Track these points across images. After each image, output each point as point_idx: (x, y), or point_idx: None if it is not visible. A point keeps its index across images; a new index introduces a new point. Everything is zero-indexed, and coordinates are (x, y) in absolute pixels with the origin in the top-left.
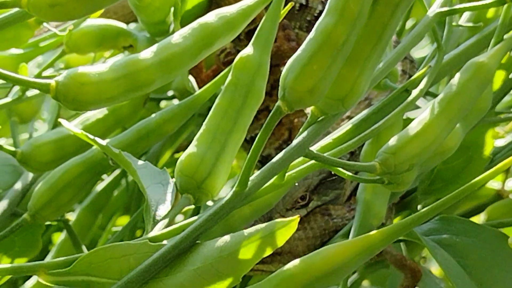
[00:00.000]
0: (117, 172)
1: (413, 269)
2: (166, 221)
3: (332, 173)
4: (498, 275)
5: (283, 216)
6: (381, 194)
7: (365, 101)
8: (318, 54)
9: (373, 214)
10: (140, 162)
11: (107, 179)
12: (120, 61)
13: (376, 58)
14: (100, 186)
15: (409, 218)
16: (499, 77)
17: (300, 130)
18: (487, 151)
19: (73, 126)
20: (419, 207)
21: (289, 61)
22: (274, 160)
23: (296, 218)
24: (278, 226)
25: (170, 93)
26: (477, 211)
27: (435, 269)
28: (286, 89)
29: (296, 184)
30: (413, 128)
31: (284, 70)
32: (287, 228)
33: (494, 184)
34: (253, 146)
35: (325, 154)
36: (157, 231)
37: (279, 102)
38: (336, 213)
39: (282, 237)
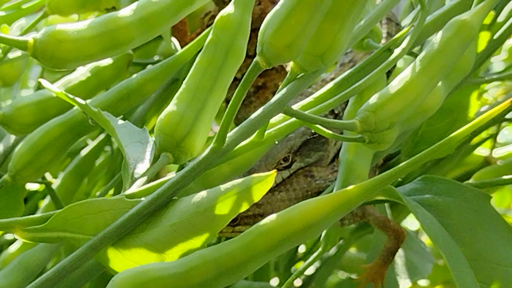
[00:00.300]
0: (102, 136)
1: (396, 230)
2: (144, 179)
3: (316, 135)
4: (480, 235)
5: None
6: (363, 155)
7: (349, 63)
8: (296, 9)
9: (355, 175)
10: (121, 121)
11: (91, 144)
12: (99, 18)
13: (356, 14)
14: (84, 151)
15: (385, 173)
16: (483, 39)
17: (280, 87)
18: (472, 113)
19: (55, 87)
20: None
21: (268, 16)
22: (252, 116)
23: (272, 173)
24: (254, 181)
25: (156, 57)
26: (465, 177)
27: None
28: (264, 45)
29: (279, 145)
30: (394, 86)
31: (263, 25)
32: (263, 183)
33: (482, 151)
34: (230, 102)
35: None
36: (135, 188)
37: (257, 58)
38: (319, 175)
39: (259, 192)
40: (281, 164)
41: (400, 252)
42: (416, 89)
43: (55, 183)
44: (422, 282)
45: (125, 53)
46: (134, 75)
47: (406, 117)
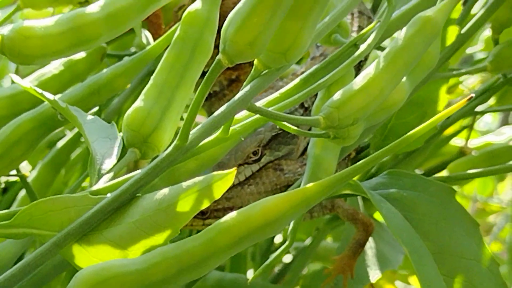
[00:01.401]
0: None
1: (365, 222)
2: (111, 174)
3: None
4: (445, 229)
5: None
6: (330, 149)
7: (320, 57)
8: (258, 7)
9: (323, 169)
10: (90, 116)
11: (68, 135)
12: (66, 15)
13: (319, 10)
14: (61, 143)
15: (345, 171)
16: (452, 33)
17: (244, 84)
18: (441, 106)
19: (29, 82)
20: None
21: (230, 14)
22: (215, 113)
23: (233, 171)
24: (215, 179)
25: (133, 49)
26: (440, 168)
27: None
28: (226, 42)
29: (248, 139)
30: (358, 82)
31: (225, 23)
32: (224, 181)
33: (458, 141)
34: (193, 99)
35: (270, 109)
36: (101, 184)
37: (219, 55)
38: (288, 168)
39: (219, 190)
40: (251, 157)
41: (371, 243)
42: (379, 85)
43: (32, 174)
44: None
45: (99, 46)
46: (105, 70)
47: (370, 113)
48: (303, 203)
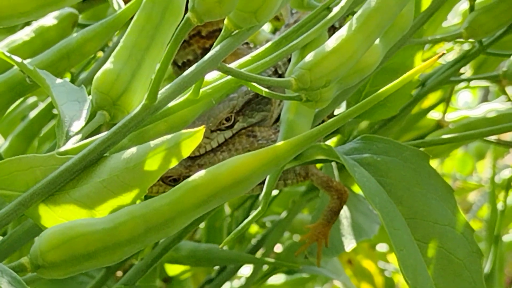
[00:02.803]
0: (50, 99)
1: (339, 190)
2: (79, 136)
3: (259, 95)
4: (419, 194)
5: (207, 138)
6: (304, 115)
7: (295, 24)
8: None
9: (296, 134)
10: (59, 80)
11: (40, 106)
12: None
13: None
14: (33, 113)
15: (315, 129)
16: None
17: (214, 44)
18: (416, 73)
19: None
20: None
21: None
22: (185, 73)
23: (201, 129)
24: (183, 137)
25: None
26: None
27: None
28: (195, 0)
29: (221, 105)
30: (330, 44)
31: None
32: (192, 139)
33: (435, 115)
34: (162, 58)
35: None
36: (69, 145)
37: (188, 13)
38: (261, 135)
39: (187, 148)
40: (224, 124)
41: (347, 213)
42: (352, 47)
43: (3, 145)
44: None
45: (70, 13)
46: (75, 34)
47: (343, 75)
48: (272, 161)
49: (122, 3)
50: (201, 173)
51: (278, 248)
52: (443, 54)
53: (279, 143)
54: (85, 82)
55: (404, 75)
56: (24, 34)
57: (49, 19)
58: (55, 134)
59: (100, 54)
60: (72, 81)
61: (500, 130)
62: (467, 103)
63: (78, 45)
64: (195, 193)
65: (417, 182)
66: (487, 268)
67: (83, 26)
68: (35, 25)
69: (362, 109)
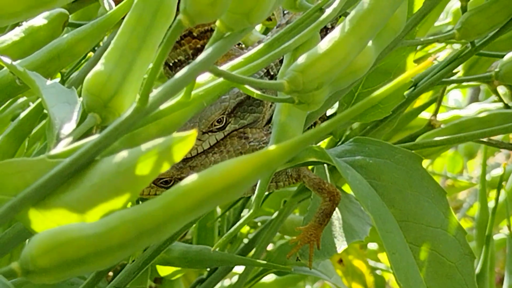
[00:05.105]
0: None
1: (331, 192)
2: (70, 139)
3: (251, 96)
4: (411, 196)
5: (199, 139)
6: (296, 117)
7: (286, 25)
8: None
9: (288, 136)
10: (49, 81)
11: (31, 106)
12: None
13: None
14: (23, 114)
15: (308, 132)
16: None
17: (206, 46)
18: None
19: None
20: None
21: None
22: (176, 76)
23: (193, 133)
24: (175, 141)
25: None
26: (409, 141)
27: None
28: (187, 2)
29: (213, 106)
30: (323, 46)
31: None
32: (184, 143)
33: (427, 115)
34: (154, 61)
35: (233, 72)
36: (60, 148)
37: (180, 16)
38: (253, 136)
39: (179, 152)
40: (215, 125)
41: (338, 214)
42: (344, 49)
43: None
44: (372, 245)
45: (60, 13)
46: (65, 35)
47: (336, 77)
48: (265, 165)
49: (112, 3)
50: (193, 177)
51: (270, 246)
52: (436, 57)
53: (272, 147)
54: (75, 82)
55: (397, 79)
56: (14, 34)
57: (39, 19)
58: (45, 134)
59: (91, 54)
60: (63, 81)
61: (492, 132)
62: (457, 101)
63: (69, 45)
64: (187, 198)
65: (409, 184)
66: (478, 268)
67: (74, 25)
68: (25, 25)
69: (355, 113)
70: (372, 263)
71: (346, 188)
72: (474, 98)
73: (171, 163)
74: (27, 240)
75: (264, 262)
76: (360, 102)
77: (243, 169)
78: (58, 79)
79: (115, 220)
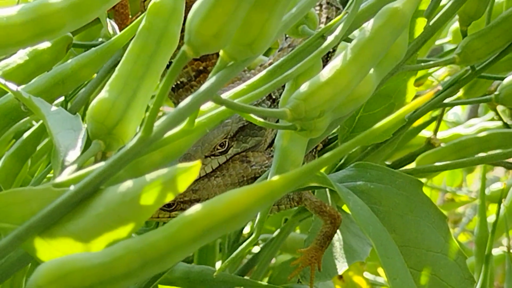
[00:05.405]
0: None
1: (332, 215)
2: (74, 166)
3: None
4: (412, 221)
5: (202, 163)
6: (298, 141)
7: (288, 48)
8: None
9: (290, 161)
10: (54, 107)
11: (35, 125)
12: (29, 4)
13: (285, 2)
14: (27, 133)
15: (311, 164)
16: (420, 24)
17: (209, 75)
18: (409, 98)
19: None
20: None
21: (195, 5)
22: (180, 105)
23: (197, 163)
24: (179, 171)
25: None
26: (409, 159)
27: None
28: (191, 33)
29: (215, 130)
30: (325, 74)
31: (190, 14)
32: (188, 174)
33: (427, 133)
34: (158, 91)
35: (236, 100)
36: (65, 176)
37: (184, 47)
38: (255, 160)
39: (184, 183)
40: (218, 149)
41: (339, 235)
42: (346, 77)
43: None
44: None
45: (64, 36)
46: (69, 61)
47: (337, 105)
48: (268, 196)
49: (116, 26)
50: (198, 207)
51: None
52: (438, 90)
53: (275, 178)
54: (79, 102)
55: (398, 112)
56: (18, 57)
57: (43, 43)
58: (48, 152)
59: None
60: (66, 101)
61: (491, 158)
62: (457, 115)
63: (73, 71)
64: (192, 228)
65: (410, 209)
66: (478, 286)
67: (78, 46)
68: (29, 48)
69: (356, 144)
70: (371, 277)
71: (346, 208)
72: (473, 112)
73: (175, 193)
74: (29, 265)
75: (265, 284)
76: (364, 132)
77: (247, 200)
78: (61, 98)
79: (120, 250)
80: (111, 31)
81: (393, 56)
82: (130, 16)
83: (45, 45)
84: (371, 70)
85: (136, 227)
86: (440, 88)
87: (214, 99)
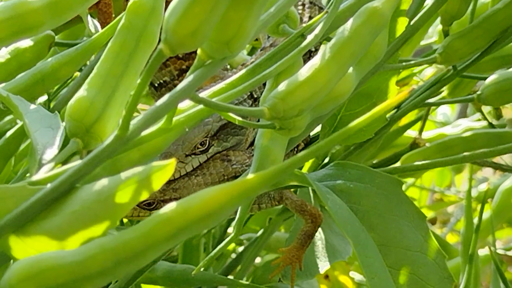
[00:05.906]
0: None
1: (313, 214)
2: (51, 165)
3: None
4: (391, 220)
5: (182, 162)
6: (278, 141)
7: (270, 48)
8: None
9: (270, 160)
10: (33, 106)
11: (18, 124)
12: (7, 3)
13: (262, 0)
14: (10, 132)
15: (287, 161)
16: (401, 24)
17: (187, 73)
18: (391, 97)
19: None
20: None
21: (172, 3)
22: (157, 103)
23: (172, 162)
24: (154, 170)
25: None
26: (394, 159)
27: None
28: (168, 32)
29: (196, 129)
30: (303, 73)
31: (167, 12)
32: (163, 172)
33: (413, 133)
34: (135, 89)
35: (215, 99)
36: (41, 174)
37: (161, 45)
38: (236, 159)
39: (159, 181)
40: (198, 148)
41: (321, 234)
42: (325, 76)
43: None
44: None
45: (46, 35)
46: (49, 59)
47: (317, 104)
48: (243, 194)
49: (98, 25)
50: (172, 205)
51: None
52: (412, 89)
53: (250, 176)
54: (62, 101)
55: (378, 107)
56: (0, 56)
57: (25, 41)
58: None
59: (77, 73)
60: (49, 100)
61: (474, 156)
62: (446, 115)
63: (53, 69)
64: (166, 226)
65: (390, 208)
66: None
67: (61, 45)
68: (11, 46)
69: (336, 140)
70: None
71: None
72: (463, 112)
73: (150, 192)
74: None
75: (247, 283)
76: (341, 129)
77: (222, 198)
78: (45, 97)
79: (94, 248)
80: (93, 30)
81: (373, 55)
82: (113, 15)
83: (27, 43)
84: (351, 69)
85: (111, 225)
86: (414, 87)
87: (191, 98)
